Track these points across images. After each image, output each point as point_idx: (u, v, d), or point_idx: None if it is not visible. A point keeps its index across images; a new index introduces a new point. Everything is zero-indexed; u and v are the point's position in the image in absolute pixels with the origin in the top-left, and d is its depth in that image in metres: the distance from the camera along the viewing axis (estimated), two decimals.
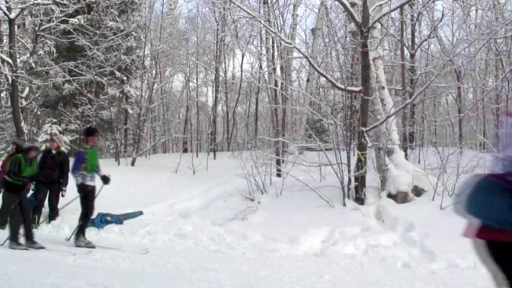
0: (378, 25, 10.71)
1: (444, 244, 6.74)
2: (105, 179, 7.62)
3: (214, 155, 18.42)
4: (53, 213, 9.06)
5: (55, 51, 15.83)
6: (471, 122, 19.35)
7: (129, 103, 18.32)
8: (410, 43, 16.15)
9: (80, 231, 7.29)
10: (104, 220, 8.61)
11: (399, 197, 8.96)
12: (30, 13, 16.20)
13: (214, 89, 22.62)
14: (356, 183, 9.03)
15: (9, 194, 7.24)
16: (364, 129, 8.97)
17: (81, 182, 7.29)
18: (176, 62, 23.13)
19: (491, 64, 18.41)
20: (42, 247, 6.97)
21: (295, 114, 19.62)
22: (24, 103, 14.89)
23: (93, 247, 7.08)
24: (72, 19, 14.92)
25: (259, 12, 14.40)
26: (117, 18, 17.01)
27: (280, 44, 15.08)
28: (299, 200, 9.16)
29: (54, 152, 9.03)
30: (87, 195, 7.35)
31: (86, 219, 7.40)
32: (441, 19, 12.40)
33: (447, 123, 18.14)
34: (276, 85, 15.06)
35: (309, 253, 6.97)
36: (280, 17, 18.40)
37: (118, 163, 15.06)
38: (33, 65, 14.64)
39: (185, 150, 21.58)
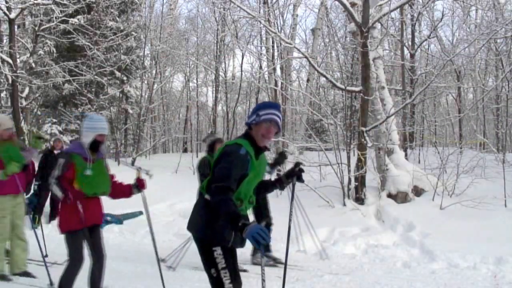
0: (378, 25, 10.71)
1: (444, 244, 6.74)
2: None
3: None
4: (54, 213, 9.06)
5: (55, 51, 15.82)
6: (471, 122, 19.37)
7: (129, 103, 18.32)
8: (410, 43, 16.16)
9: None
10: (104, 220, 8.60)
11: (399, 197, 8.96)
12: (30, 13, 16.20)
13: (214, 89, 22.62)
14: (356, 183, 9.03)
15: None
16: (364, 129, 8.97)
17: None
18: (176, 62, 23.14)
19: (491, 64, 18.42)
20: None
21: (295, 114, 19.61)
22: (24, 103, 14.90)
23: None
24: (72, 19, 14.92)
25: (259, 12, 14.39)
26: (117, 18, 17.01)
27: (280, 44, 15.09)
28: (299, 200, 9.15)
29: (55, 152, 9.02)
30: None
31: None
32: (441, 19, 12.38)
33: (447, 123, 18.15)
34: (276, 85, 15.06)
35: (309, 253, 6.97)
36: (280, 17, 18.41)
37: (118, 163, 15.06)
38: (33, 65, 14.64)
39: (185, 150, 21.59)
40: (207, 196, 2.84)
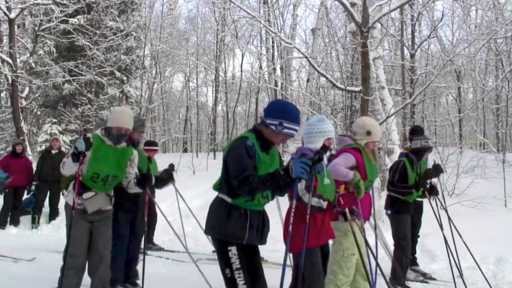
0: (378, 25, 10.70)
1: (444, 244, 6.73)
2: None
3: (214, 155, 18.40)
4: (54, 213, 9.06)
5: (55, 51, 15.81)
6: (471, 122, 19.38)
7: (129, 103, 18.31)
8: (410, 43, 16.15)
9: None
10: None
11: None
12: (30, 13, 16.21)
13: (214, 89, 22.63)
14: None
15: (404, 216, 5.49)
16: None
17: None
18: (176, 62, 23.14)
19: (491, 64, 18.43)
20: None
21: None
22: (24, 103, 14.90)
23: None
24: (72, 19, 14.92)
25: (259, 12, 14.41)
26: (117, 18, 17.00)
27: (280, 44, 15.11)
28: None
29: (53, 152, 9.00)
30: None
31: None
32: (441, 19, 12.38)
33: (447, 123, 18.15)
34: (276, 85, 15.08)
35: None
36: (280, 17, 18.43)
37: None
38: (33, 65, 14.64)
39: (185, 150, 21.59)
40: (221, 195, 2.83)
